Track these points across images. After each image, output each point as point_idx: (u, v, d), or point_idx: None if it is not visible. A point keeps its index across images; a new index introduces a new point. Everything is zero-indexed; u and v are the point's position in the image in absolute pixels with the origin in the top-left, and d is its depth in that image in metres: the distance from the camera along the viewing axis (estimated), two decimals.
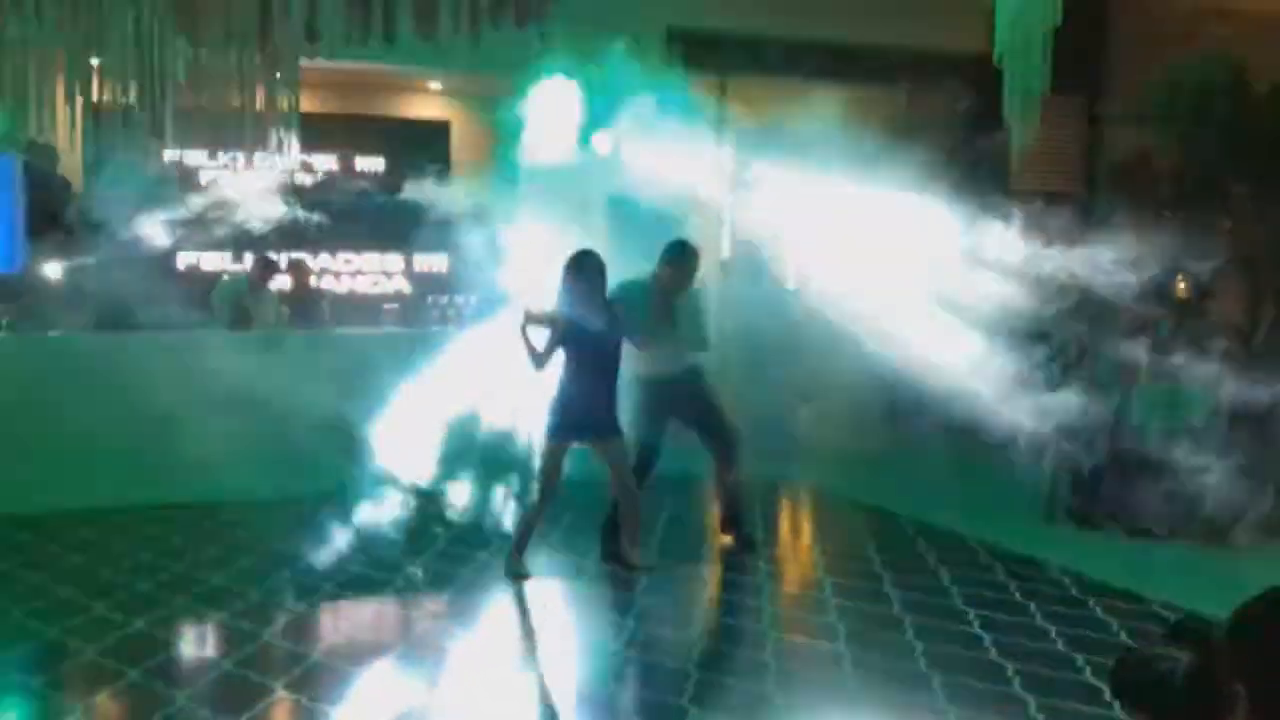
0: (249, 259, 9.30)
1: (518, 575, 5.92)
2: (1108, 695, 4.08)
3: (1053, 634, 5.09)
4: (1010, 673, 4.59)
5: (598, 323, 5.80)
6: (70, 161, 8.70)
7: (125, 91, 6.33)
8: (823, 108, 7.60)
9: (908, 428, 8.71)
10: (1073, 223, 7.83)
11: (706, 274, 7.19)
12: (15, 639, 4.99)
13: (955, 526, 7.01)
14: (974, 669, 4.64)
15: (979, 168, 10.48)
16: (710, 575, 6.44)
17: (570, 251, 5.98)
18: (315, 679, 4.53)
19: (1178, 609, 5.26)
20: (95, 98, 6.59)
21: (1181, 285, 9.69)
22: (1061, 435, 7.36)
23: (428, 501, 6.98)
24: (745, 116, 9.59)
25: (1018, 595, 5.70)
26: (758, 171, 7.92)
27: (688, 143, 7.26)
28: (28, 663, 4.76)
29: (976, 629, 5.16)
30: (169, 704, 4.25)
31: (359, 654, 4.89)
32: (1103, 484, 7.13)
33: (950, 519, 7.16)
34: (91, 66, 6.52)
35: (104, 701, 4.38)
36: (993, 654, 4.83)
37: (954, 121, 10.67)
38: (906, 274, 6.88)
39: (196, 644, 5.21)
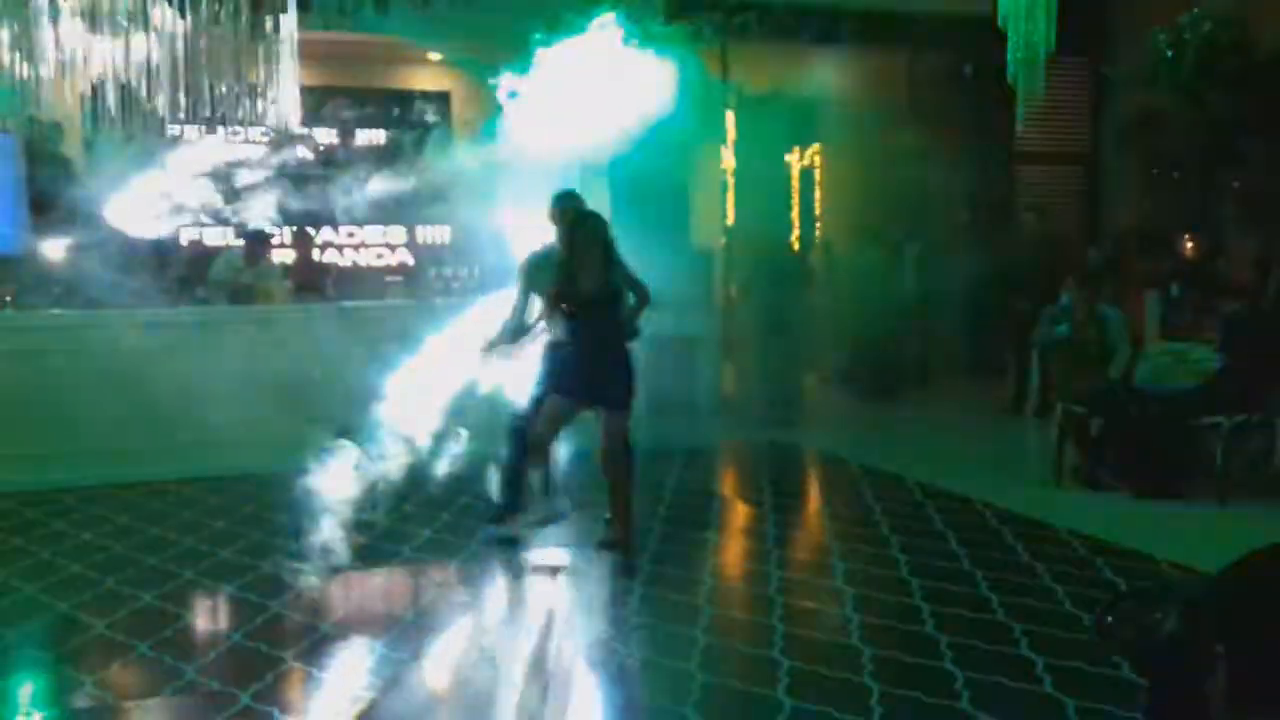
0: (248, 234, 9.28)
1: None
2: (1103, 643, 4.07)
3: (1060, 594, 5.09)
4: (1018, 633, 4.58)
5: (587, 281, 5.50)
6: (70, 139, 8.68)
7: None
8: (824, 72, 7.55)
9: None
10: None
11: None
12: (27, 614, 5.01)
13: (963, 489, 7.00)
14: (981, 630, 4.63)
15: (983, 130, 10.41)
16: (717, 539, 6.43)
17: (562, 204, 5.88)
18: (324, 650, 4.55)
19: (1186, 569, 5.25)
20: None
21: (1190, 245, 9.64)
22: (1070, 399, 7.34)
23: (433, 471, 6.97)
24: (747, 81, 9.52)
25: (1025, 557, 5.69)
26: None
27: (689, 108, 7.20)
28: (39, 638, 4.78)
29: (984, 590, 5.16)
30: (178, 677, 4.27)
31: (366, 625, 4.91)
32: (1111, 445, 7.10)
33: (958, 482, 7.15)
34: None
35: (114, 674, 4.40)
36: (1000, 615, 4.83)
37: (957, 84, 10.59)
38: None
39: (206, 617, 5.23)
